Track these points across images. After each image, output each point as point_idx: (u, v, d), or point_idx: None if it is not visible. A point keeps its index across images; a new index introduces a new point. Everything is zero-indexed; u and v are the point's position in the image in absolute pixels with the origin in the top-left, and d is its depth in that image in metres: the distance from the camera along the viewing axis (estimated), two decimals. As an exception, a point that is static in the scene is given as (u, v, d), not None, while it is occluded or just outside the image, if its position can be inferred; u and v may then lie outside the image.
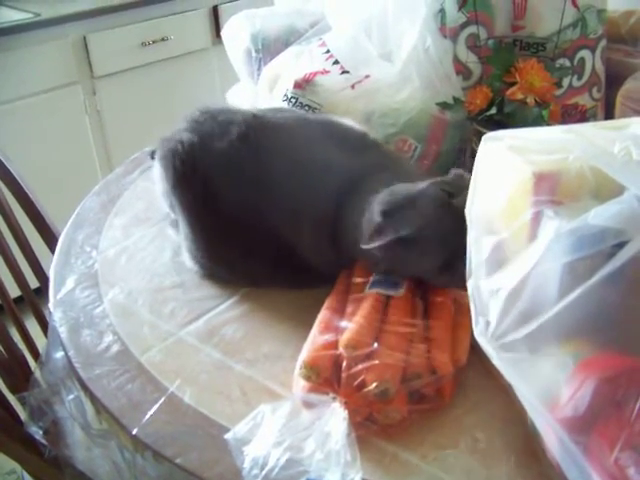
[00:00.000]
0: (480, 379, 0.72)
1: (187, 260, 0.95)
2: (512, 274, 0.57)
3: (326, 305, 0.78)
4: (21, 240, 1.30)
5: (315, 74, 1.09)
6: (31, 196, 1.32)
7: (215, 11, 2.70)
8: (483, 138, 0.65)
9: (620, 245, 0.51)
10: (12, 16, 2.30)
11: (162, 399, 0.74)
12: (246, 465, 0.62)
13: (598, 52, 1.08)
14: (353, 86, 1.07)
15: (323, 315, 0.76)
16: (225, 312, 0.87)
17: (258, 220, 0.86)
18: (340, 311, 0.76)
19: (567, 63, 1.06)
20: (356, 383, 0.66)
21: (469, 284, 0.62)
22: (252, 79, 1.32)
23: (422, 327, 0.73)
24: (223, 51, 1.39)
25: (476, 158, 0.65)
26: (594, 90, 1.10)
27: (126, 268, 0.98)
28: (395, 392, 0.66)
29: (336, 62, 1.10)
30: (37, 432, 0.90)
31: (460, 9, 1.05)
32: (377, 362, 0.67)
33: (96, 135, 2.51)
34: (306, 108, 1.07)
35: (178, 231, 0.97)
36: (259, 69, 1.29)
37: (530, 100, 0.99)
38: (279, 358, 0.79)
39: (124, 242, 1.04)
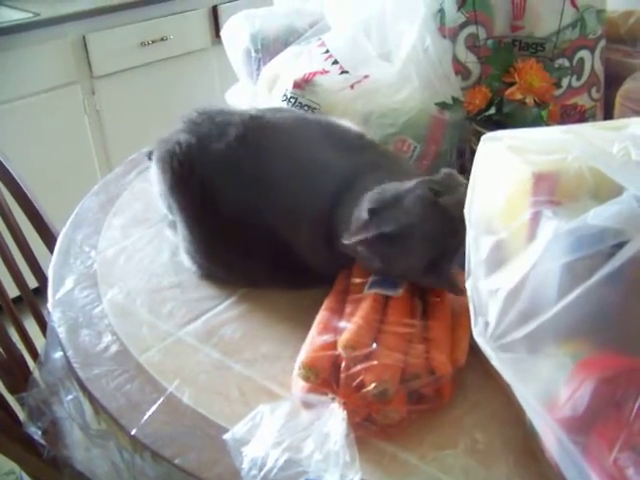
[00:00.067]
0: (479, 379, 0.72)
1: (185, 261, 0.95)
2: (511, 274, 0.57)
3: (325, 306, 0.78)
4: (20, 240, 1.30)
5: (314, 74, 1.09)
6: (30, 196, 1.31)
7: (214, 11, 2.70)
8: (482, 138, 0.65)
9: (619, 245, 0.51)
10: (11, 16, 2.30)
11: (161, 399, 0.74)
12: (245, 466, 0.62)
13: (597, 52, 1.08)
14: (352, 86, 1.07)
15: (322, 316, 0.76)
16: (224, 312, 0.87)
17: (256, 220, 0.86)
18: (339, 312, 0.76)
19: (566, 63, 1.06)
20: (355, 383, 0.66)
21: (468, 284, 0.62)
22: (251, 79, 1.32)
23: (421, 327, 0.73)
24: (222, 51, 1.39)
25: (475, 158, 0.65)
26: (593, 90, 1.10)
27: (125, 268, 0.98)
28: (394, 392, 0.66)
29: (335, 62, 1.10)
30: (36, 432, 0.90)
31: (459, 9, 1.05)
32: (376, 363, 0.67)
33: (95, 135, 2.51)
34: (305, 108, 1.07)
35: (176, 232, 0.97)
36: (258, 69, 1.29)
37: (529, 100, 0.99)
38: (278, 358, 0.78)
39: (123, 242, 1.04)
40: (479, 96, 1.02)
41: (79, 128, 2.46)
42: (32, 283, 1.30)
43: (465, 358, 0.72)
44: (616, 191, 0.54)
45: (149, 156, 1.20)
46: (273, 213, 0.86)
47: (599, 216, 0.53)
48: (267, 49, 1.29)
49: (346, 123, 0.96)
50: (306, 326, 0.76)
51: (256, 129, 0.91)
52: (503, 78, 1.02)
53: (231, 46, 1.35)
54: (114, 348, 0.82)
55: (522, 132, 0.66)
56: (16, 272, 1.28)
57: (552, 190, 0.58)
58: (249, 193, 0.87)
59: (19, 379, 1.14)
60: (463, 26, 1.06)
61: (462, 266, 0.64)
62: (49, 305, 0.92)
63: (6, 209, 1.29)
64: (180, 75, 2.66)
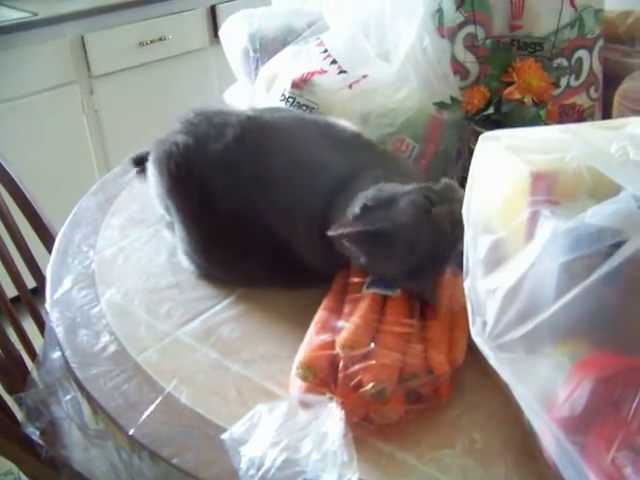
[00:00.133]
0: (477, 379, 0.72)
1: (183, 261, 0.95)
2: (509, 274, 0.57)
3: (323, 305, 0.78)
4: (18, 240, 1.30)
5: (313, 74, 1.08)
6: (28, 196, 1.31)
7: (213, 11, 2.70)
8: (480, 138, 0.65)
9: (617, 245, 0.51)
10: (9, 15, 2.30)
11: (159, 399, 0.74)
12: (243, 465, 0.62)
13: (595, 52, 1.08)
14: (351, 86, 1.07)
15: (320, 315, 0.76)
16: (221, 312, 0.87)
17: (254, 220, 0.86)
18: (337, 311, 0.76)
19: (565, 63, 1.06)
20: (353, 383, 0.66)
21: (466, 284, 0.62)
22: (250, 79, 1.32)
23: (419, 327, 0.73)
24: (221, 51, 1.39)
25: (473, 158, 0.65)
26: (591, 90, 1.10)
27: (123, 268, 0.98)
28: (392, 392, 0.66)
29: (334, 62, 1.10)
30: (34, 432, 0.90)
31: (458, 9, 1.05)
32: (374, 362, 0.67)
33: (94, 135, 2.50)
34: (303, 108, 1.07)
35: (174, 233, 0.97)
36: (257, 69, 1.29)
37: (527, 100, 0.99)
38: (276, 358, 0.78)
39: (121, 242, 1.04)
40: (478, 96, 1.01)
41: (77, 128, 2.46)
42: (30, 283, 1.30)
43: (463, 358, 0.72)
44: (614, 190, 0.54)
45: (134, 162, 1.21)
46: (271, 213, 0.86)
47: (597, 215, 0.53)
48: (265, 49, 1.29)
49: (343, 123, 0.96)
50: (304, 326, 0.75)
51: (253, 129, 0.91)
52: (502, 78, 1.02)
53: (229, 46, 1.35)
54: (112, 348, 0.82)
55: (520, 131, 0.66)
56: (14, 272, 1.28)
57: (550, 189, 0.58)
58: (247, 193, 0.87)
59: (17, 379, 1.14)
60: (462, 26, 1.06)
61: (460, 265, 0.64)
62: (47, 305, 0.92)
63: (4, 209, 1.29)
64: (178, 75, 2.66)
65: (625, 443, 0.51)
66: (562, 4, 1.02)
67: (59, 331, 0.86)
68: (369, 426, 0.67)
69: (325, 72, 1.09)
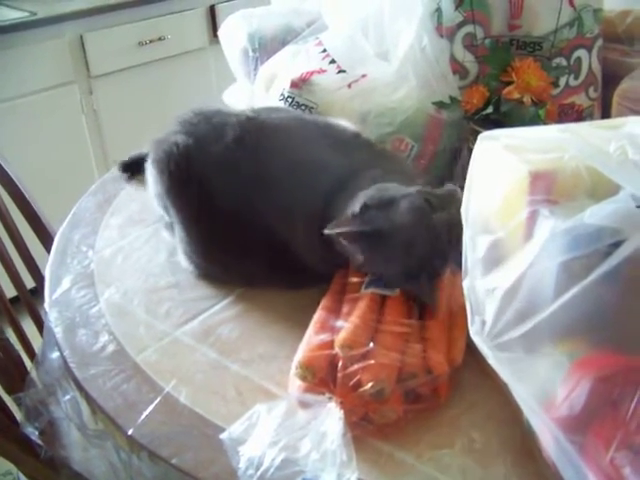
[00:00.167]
0: (476, 379, 0.72)
1: (182, 261, 0.95)
2: (508, 273, 0.57)
3: (322, 305, 0.78)
4: (17, 240, 1.30)
5: (312, 73, 1.08)
6: (27, 196, 1.31)
7: (212, 10, 2.70)
8: (479, 137, 0.65)
9: (616, 244, 0.51)
10: (8, 15, 2.30)
11: (158, 399, 0.74)
12: (241, 465, 0.62)
13: (594, 51, 1.08)
14: (350, 85, 1.07)
15: (319, 315, 0.76)
16: (221, 312, 0.87)
17: (254, 220, 0.86)
18: (336, 311, 0.76)
19: (563, 62, 1.06)
20: (352, 383, 0.66)
21: (465, 283, 0.62)
22: (249, 78, 1.32)
23: (418, 327, 0.73)
24: (220, 51, 1.39)
25: (472, 157, 0.65)
26: (591, 90, 1.10)
27: (122, 268, 0.98)
28: (391, 392, 0.66)
29: (333, 61, 1.10)
30: (33, 433, 0.90)
31: (457, 8, 1.05)
32: (373, 362, 0.67)
33: (93, 135, 2.50)
34: (302, 107, 1.07)
35: (172, 233, 0.97)
36: (256, 68, 1.29)
37: (527, 99, 0.99)
38: (275, 358, 0.78)
39: (120, 242, 1.04)
40: (477, 95, 1.02)
41: (77, 128, 2.45)
42: (29, 283, 1.30)
43: (462, 357, 0.72)
44: (613, 190, 0.54)
45: (122, 168, 1.20)
46: (270, 212, 0.86)
47: (596, 215, 0.53)
48: (264, 48, 1.29)
49: (342, 123, 0.96)
50: (303, 325, 0.75)
51: (253, 130, 0.91)
52: (501, 77, 1.02)
53: (228, 45, 1.35)
54: (111, 348, 0.82)
55: (519, 131, 0.66)
56: (13, 272, 1.28)
57: (549, 189, 0.58)
58: (247, 193, 0.87)
59: (16, 379, 1.14)
60: (460, 25, 1.06)
61: (459, 265, 0.64)
62: (46, 305, 0.92)
63: (3, 209, 1.29)
64: (178, 75, 2.66)
65: (624, 443, 0.51)
66: (561, 4, 1.02)
67: (58, 331, 0.86)
68: (368, 426, 0.67)
69: (324, 72, 1.09)
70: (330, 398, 0.67)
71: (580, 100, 1.09)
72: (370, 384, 0.65)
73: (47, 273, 0.99)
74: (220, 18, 2.64)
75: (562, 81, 1.06)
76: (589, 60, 1.08)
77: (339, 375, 0.67)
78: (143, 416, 0.72)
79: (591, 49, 1.08)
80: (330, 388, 0.68)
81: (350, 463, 0.61)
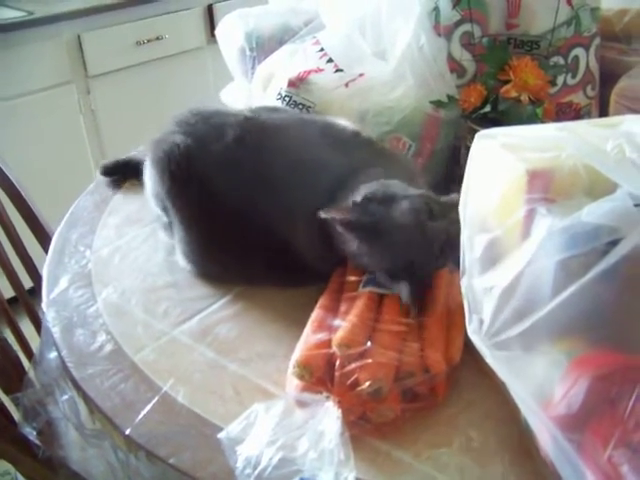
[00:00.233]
0: (474, 377, 0.72)
1: (181, 260, 0.94)
2: (505, 272, 0.57)
3: (319, 304, 0.78)
4: (14, 240, 1.30)
5: (309, 72, 1.08)
6: (25, 196, 1.31)
7: (210, 10, 2.70)
8: (476, 136, 0.65)
9: (613, 242, 0.51)
10: (5, 14, 2.29)
11: (155, 399, 0.74)
12: (239, 464, 0.62)
13: (592, 50, 1.08)
14: (347, 84, 1.07)
15: (316, 314, 0.76)
16: (218, 311, 0.87)
17: (254, 219, 0.86)
18: (333, 310, 0.75)
19: (561, 61, 1.06)
20: (349, 382, 0.66)
21: (462, 282, 0.62)
22: (246, 78, 1.32)
23: (415, 326, 0.73)
24: (218, 50, 1.39)
25: (469, 156, 0.65)
26: (588, 88, 1.10)
27: (119, 268, 0.98)
28: (388, 391, 0.66)
29: (330, 60, 1.10)
30: (31, 433, 0.90)
31: (454, 7, 1.05)
32: (370, 361, 0.67)
33: (90, 134, 2.50)
34: (300, 107, 1.06)
35: (170, 234, 0.97)
36: (253, 68, 1.29)
37: (524, 98, 0.99)
38: (272, 357, 0.78)
39: (117, 242, 1.04)
40: (474, 94, 1.01)
41: (74, 128, 2.45)
42: (27, 283, 1.29)
43: (460, 356, 0.72)
44: (610, 188, 0.54)
45: (104, 172, 1.20)
46: (271, 211, 0.86)
47: (593, 213, 0.53)
48: (262, 48, 1.29)
49: (342, 122, 0.96)
50: (301, 324, 0.75)
51: (254, 130, 0.91)
52: (498, 76, 1.02)
53: (226, 45, 1.35)
54: (108, 347, 0.82)
55: (516, 130, 0.66)
56: (11, 272, 1.28)
57: (546, 187, 0.58)
58: (247, 192, 0.87)
59: (14, 379, 1.14)
60: (458, 24, 1.06)
61: (457, 264, 0.64)
62: (43, 305, 0.92)
63: (0, 209, 1.29)
64: (175, 74, 2.66)
65: (621, 441, 0.51)
66: (558, 2, 1.02)
67: (55, 331, 0.86)
68: (366, 425, 0.67)
69: (321, 71, 1.09)
70: (328, 397, 0.66)
71: (578, 99, 1.09)
72: (368, 383, 0.65)
73: (44, 273, 0.98)
74: (217, 17, 2.64)
75: (560, 80, 1.06)
76: (587, 59, 1.08)
77: (337, 374, 0.67)
78: (141, 416, 0.72)
79: (589, 48, 1.08)
80: (328, 387, 0.68)
81: (348, 462, 0.61)
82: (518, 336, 0.55)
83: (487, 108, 1.00)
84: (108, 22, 2.42)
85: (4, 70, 2.20)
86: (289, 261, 0.86)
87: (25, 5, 2.35)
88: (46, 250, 1.07)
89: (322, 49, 1.12)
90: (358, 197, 0.76)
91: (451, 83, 1.07)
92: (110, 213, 1.13)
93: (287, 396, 0.70)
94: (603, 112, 1.11)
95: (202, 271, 0.93)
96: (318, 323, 0.74)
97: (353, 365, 0.67)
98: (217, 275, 0.93)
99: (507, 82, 1.00)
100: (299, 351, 0.71)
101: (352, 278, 0.79)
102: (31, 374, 0.91)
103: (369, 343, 0.68)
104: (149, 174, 0.96)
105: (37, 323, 1.24)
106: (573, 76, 1.07)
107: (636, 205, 0.52)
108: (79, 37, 2.36)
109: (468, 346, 0.66)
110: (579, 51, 1.07)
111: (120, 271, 0.97)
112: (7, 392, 1.15)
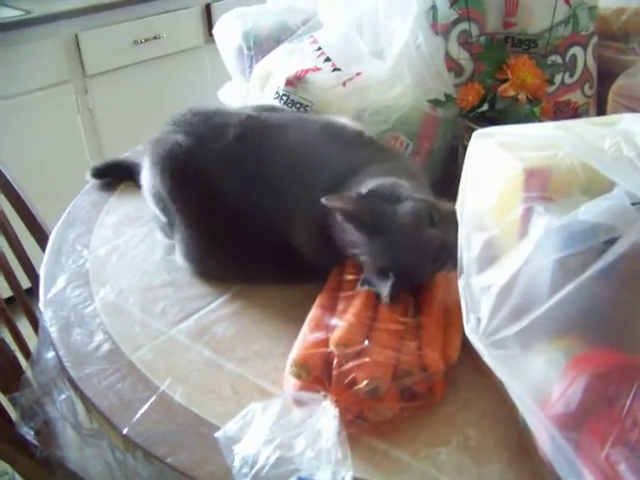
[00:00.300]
0: (471, 376, 0.72)
1: (178, 258, 0.94)
2: (503, 271, 0.57)
3: (317, 303, 0.78)
4: (12, 239, 1.30)
5: (306, 71, 1.08)
6: (22, 195, 1.31)
7: (207, 9, 2.69)
8: (474, 134, 0.65)
9: (611, 241, 0.51)
10: (2, 13, 2.29)
11: (153, 398, 0.74)
12: (236, 464, 0.62)
13: (590, 49, 1.08)
14: (344, 83, 1.06)
15: (314, 313, 0.76)
16: (216, 310, 0.87)
17: (255, 217, 0.86)
18: (331, 309, 0.75)
19: (559, 60, 1.06)
20: (347, 381, 0.66)
21: (460, 281, 0.62)
22: (244, 77, 1.32)
23: (413, 325, 0.72)
24: (215, 49, 1.39)
25: (467, 155, 0.65)
26: (586, 87, 1.10)
27: (117, 267, 0.97)
28: (386, 390, 0.66)
29: (327, 59, 1.10)
30: (28, 432, 0.90)
31: (452, 6, 1.05)
32: (368, 360, 0.67)
33: (88, 134, 2.50)
34: (297, 105, 1.06)
35: (166, 234, 0.97)
36: (251, 67, 1.29)
37: (522, 97, 0.99)
38: (270, 356, 0.78)
39: (115, 241, 1.04)
40: (472, 93, 1.01)
41: (72, 127, 2.45)
42: (25, 283, 1.29)
43: (457, 355, 0.72)
44: (608, 187, 0.54)
45: (95, 174, 1.20)
46: (272, 209, 0.86)
47: (590, 212, 0.53)
48: (259, 47, 1.29)
49: (343, 120, 0.96)
50: (299, 322, 0.75)
51: (255, 129, 0.91)
52: (496, 75, 1.02)
53: (223, 44, 1.35)
54: (106, 347, 0.82)
55: (514, 128, 0.66)
56: (8, 272, 1.27)
57: (544, 186, 0.58)
58: (249, 191, 0.87)
59: (11, 379, 1.14)
60: (456, 23, 1.06)
61: (455, 263, 0.63)
62: (40, 304, 0.91)
63: (-2, 208, 1.29)
64: (173, 73, 2.66)
65: (619, 439, 0.51)
66: (556, 1, 1.02)
67: (53, 330, 0.86)
68: (363, 424, 0.67)
69: (319, 70, 1.09)
70: (325, 396, 0.66)
71: (575, 97, 1.09)
72: (365, 382, 0.65)
73: (42, 272, 0.98)
74: (215, 17, 2.63)
75: (557, 79, 1.06)
76: (584, 57, 1.08)
77: (334, 373, 0.67)
78: (138, 415, 0.72)
79: (586, 46, 1.08)
80: (325, 386, 0.67)
81: (345, 461, 0.61)
82: (516, 335, 0.55)
83: (485, 107, 1.00)
84: (106, 21, 2.42)
85: (1, 69, 2.20)
86: (288, 259, 0.86)
87: (23, 4, 2.35)
88: (43, 249, 1.07)
89: (319, 48, 1.12)
90: (364, 189, 0.76)
91: (449, 82, 1.07)
92: (107, 212, 1.13)
93: (284, 395, 0.70)
94: (601, 111, 1.11)
95: (201, 270, 0.93)
96: (316, 322, 0.74)
97: (351, 364, 0.67)
98: (216, 274, 0.93)
99: (505, 81, 1.00)
100: (297, 350, 0.71)
101: (350, 277, 0.79)
102: (28, 374, 0.91)
103: (367, 342, 0.68)
104: (149, 174, 0.95)
105: (34, 323, 1.24)
106: (571, 75, 1.07)
107: (633, 203, 0.52)
108: (77, 36, 2.36)
109: (466, 345, 0.66)
110: (577, 50, 1.07)
111: (117, 270, 0.96)
112: (4, 392, 1.14)
